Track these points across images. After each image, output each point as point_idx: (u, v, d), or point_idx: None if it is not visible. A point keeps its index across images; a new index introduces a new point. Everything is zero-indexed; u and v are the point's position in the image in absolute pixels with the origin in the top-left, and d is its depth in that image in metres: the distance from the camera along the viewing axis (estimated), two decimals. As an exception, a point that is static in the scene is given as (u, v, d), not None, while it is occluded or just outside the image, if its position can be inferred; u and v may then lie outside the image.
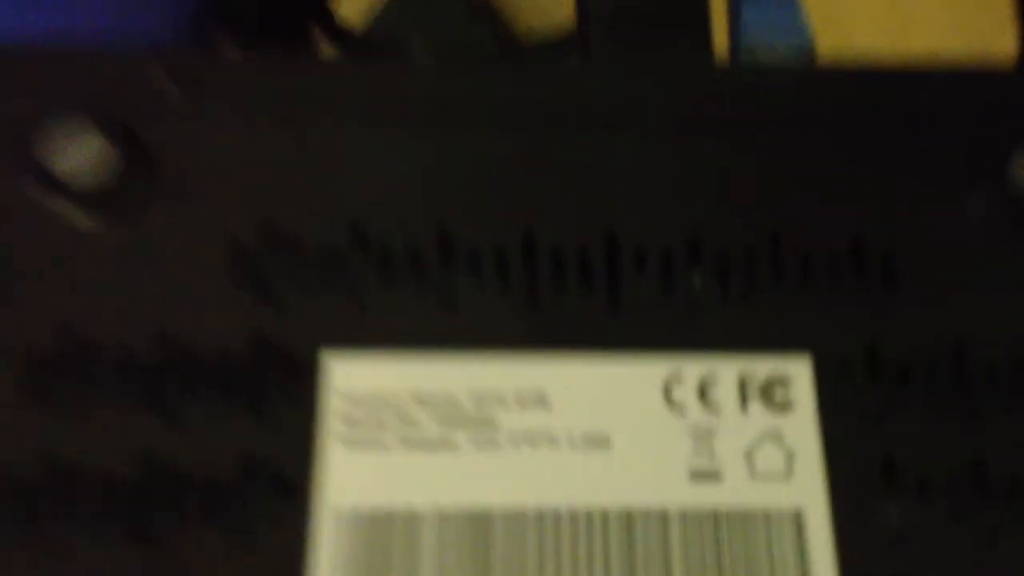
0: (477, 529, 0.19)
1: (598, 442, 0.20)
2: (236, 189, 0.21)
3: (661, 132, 0.22)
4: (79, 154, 0.21)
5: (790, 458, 0.20)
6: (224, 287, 0.20)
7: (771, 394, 0.20)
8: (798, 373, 0.20)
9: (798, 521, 0.19)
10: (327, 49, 0.33)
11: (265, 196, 0.21)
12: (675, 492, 0.19)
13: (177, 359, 0.19)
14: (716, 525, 0.19)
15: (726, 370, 0.20)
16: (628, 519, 0.19)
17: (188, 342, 0.20)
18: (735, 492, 0.19)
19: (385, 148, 0.21)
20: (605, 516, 0.19)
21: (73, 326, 0.20)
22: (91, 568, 0.18)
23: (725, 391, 0.20)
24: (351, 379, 0.20)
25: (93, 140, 0.21)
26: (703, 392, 0.20)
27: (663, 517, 0.19)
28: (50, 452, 0.19)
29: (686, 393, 0.20)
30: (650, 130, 0.22)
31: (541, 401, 0.20)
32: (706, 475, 0.19)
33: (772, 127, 0.22)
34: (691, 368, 0.20)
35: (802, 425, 0.20)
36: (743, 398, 0.20)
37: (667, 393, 0.20)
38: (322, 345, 0.20)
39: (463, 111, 0.22)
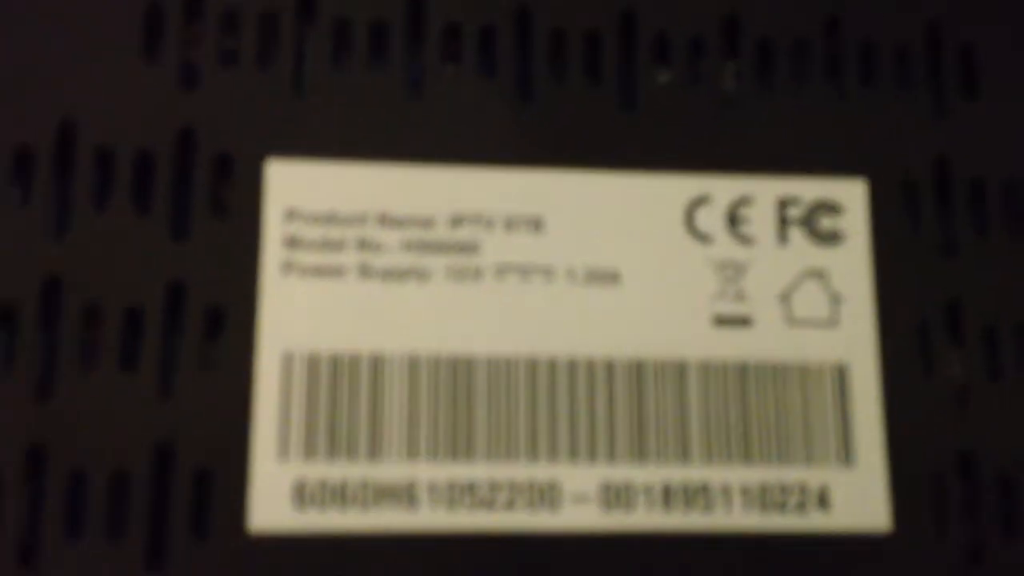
0: (456, 380, 0.15)
1: (604, 277, 0.16)
2: None
3: None
4: None
5: (836, 301, 0.16)
6: (136, 64, 0.16)
7: (816, 223, 0.16)
8: (851, 197, 0.17)
9: (841, 377, 0.16)
10: None
11: None
12: (695, 339, 0.16)
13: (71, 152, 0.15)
14: (743, 380, 0.16)
15: (763, 192, 0.16)
16: (638, 370, 0.16)
17: (103, 134, 0.16)
18: (767, 341, 0.16)
19: None
20: (610, 367, 0.16)
21: None
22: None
23: (761, 218, 0.16)
24: (299, 192, 0.16)
25: None
26: (734, 218, 0.16)
27: (680, 370, 0.16)
28: None
29: (713, 219, 0.16)
30: None
31: (535, 224, 0.16)
32: (733, 320, 0.16)
33: None
34: (721, 188, 0.16)
35: (853, 261, 0.16)
36: (782, 227, 0.16)
37: (689, 218, 0.16)
38: (262, 146, 0.16)
39: None
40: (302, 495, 0.15)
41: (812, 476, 0.16)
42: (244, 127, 0.16)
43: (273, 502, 0.15)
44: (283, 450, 0.15)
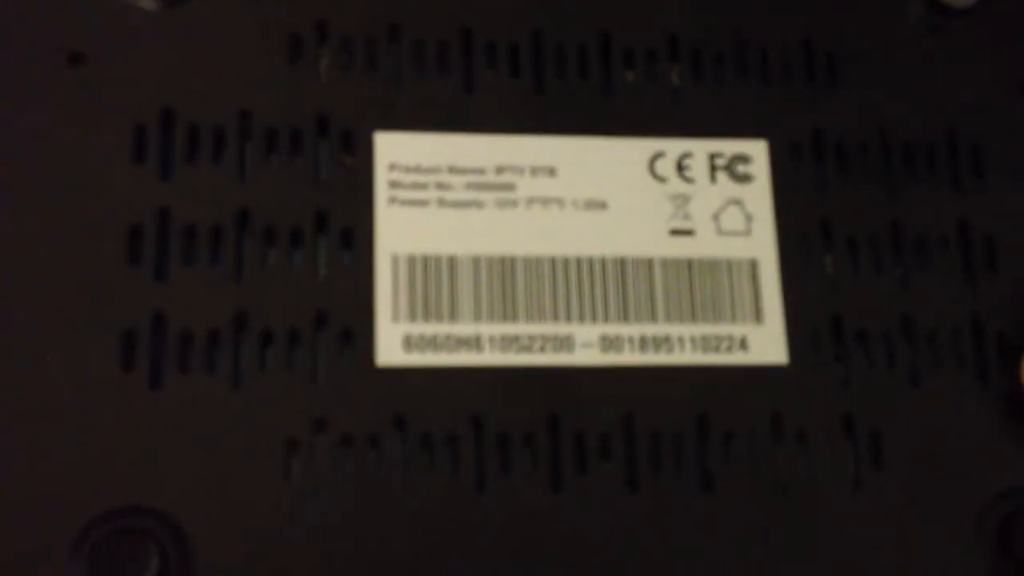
0: (504, 271, 0.23)
1: (597, 205, 0.24)
2: None
3: None
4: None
5: (749, 219, 0.25)
6: (280, 68, 0.24)
7: (735, 169, 0.25)
8: (757, 152, 0.25)
9: (754, 269, 0.24)
10: None
11: None
12: (658, 245, 0.24)
13: (249, 128, 0.23)
14: (690, 271, 0.24)
15: (699, 149, 0.25)
16: (621, 265, 0.24)
17: (253, 115, 0.24)
18: (705, 245, 0.24)
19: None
20: (604, 262, 0.24)
21: (149, 93, 0.23)
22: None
23: (698, 166, 0.25)
24: (396, 152, 0.24)
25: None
26: (681, 166, 0.25)
27: (649, 264, 0.24)
28: (156, 205, 0.23)
29: (667, 167, 0.25)
30: None
31: (550, 171, 0.24)
32: (683, 232, 0.24)
33: None
34: (671, 147, 0.25)
35: (759, 193, 0.25)
36: (712, 172, 0.25)
37: (652, 167, 0.25)
38: (370, 124, 0.24)
39: None
40: (409, 343, 0.23)
41: (735, 330, 0.24)
42: (362, 112, 0.24)
43: (391, 348, 0.23)
44: (396, 315, 0.23)
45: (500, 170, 0.24)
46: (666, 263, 0.24)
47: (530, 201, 0.24)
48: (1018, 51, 0.27)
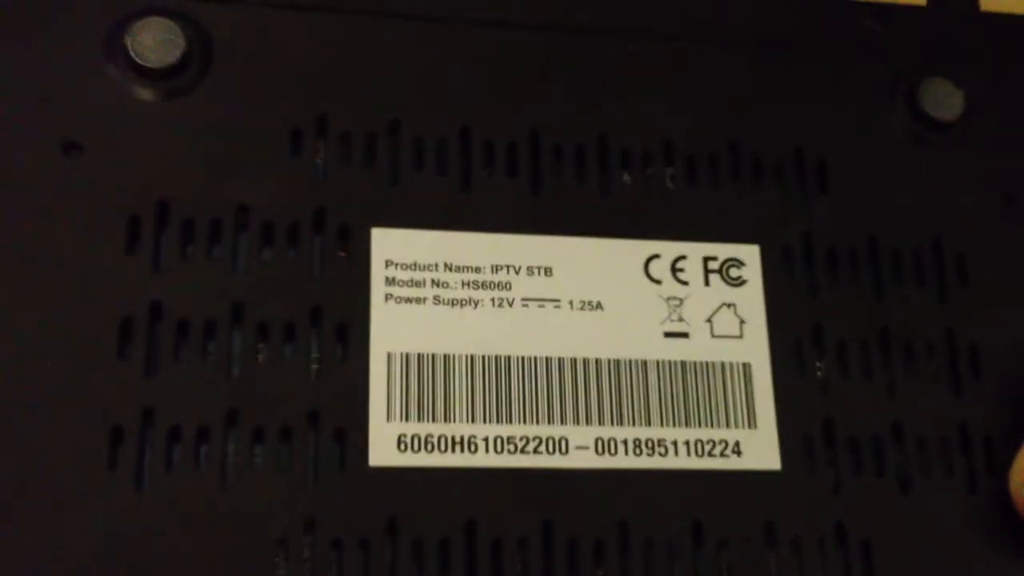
0: (499, 372, 0.23)
1: (592, 306, 0.24)
2: (286, 78, 0.24)
3: (657, 40, 0.26)
4: (151, 35, 0.24)
5: (742, 323, 0.25)
6: (278, 162, 0.24)
7: (728, 272, 0.25)
8: (750, 257, 0.25)
9: (747, 372, 0.24)
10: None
11: (315, 88, 0.24)
12: (653, 346, 0.24)
13: (245, 220, 0.23)
14: (684, 373, 0.24)
15: (693, 252, 0.25)
16: (617, 367, 0.24)
17: (245, 205, 0.23)
18: (699, 348, 0.24)
19: (420, 47, 0.25)
20: (599, 364, 0.24)
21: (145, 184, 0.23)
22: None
23: (693, 268, 0.25)
24: (393, 249, 0.24)
25: (163, 23, 0.24)
26: (675, 269, 0.25)
27: (643, 366, 0.24)
28: (148, 298, 0.22)
29: (662, 269, 0.25)
30: (650, 37, 0.26)
31: (547, 271, 0.24)
32: (677, 334, 0.24)
33: (729, 44, 0.27)
34: (666, 249, 0.25)
35: (752, 297, 0.25)
36: (706, 275, 0.25)
37: (647, 269, 0.25)
38: (368, 219, 0.24)
39: (491, 11, 0.25)
40: (403, 444, 0.23)
41: (729, 435, 0.24)
42: (360, 207, 0.24)
43: (384, 448, 0.22)
44: (390, 415, 0.23)
45: (496, 268, 0.24)
46: (661, 365, 0.24)
47: (526, 300, 0.24)
48: (1001, 163, 0.27)
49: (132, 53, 0.23)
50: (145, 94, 0.24)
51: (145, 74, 0.24)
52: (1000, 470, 0.25)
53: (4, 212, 0.22)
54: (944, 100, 0.27)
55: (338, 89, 0.24)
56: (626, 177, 0.25)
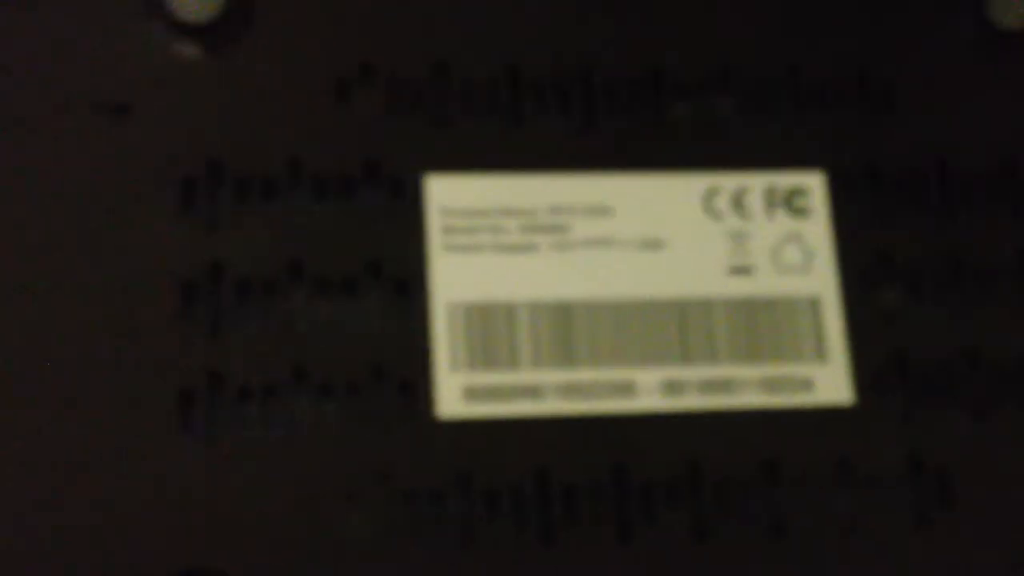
0: (562, 317, 0.23)
1: (654, 244, 0.24)
2: (328, 27, 0.24)
3: None
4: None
5: (808, 255, 0.24)
6: (326, 113, 0.23)
7: (792, 203, 0.24)
8: (814, 185, 0.24)
9: (815, 307, 0.24)
10: None
11: (359, 35, 0.24)
12: (717, 284, 0.24)
13: (299, 178, 0.23)
14: (750, 311, 0.24)
15: (755, 183, 0.24)
16: (681, 307, 0.23)
17: (297, 160, 0.23)
18: (765, 283, 0.24)
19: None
20: (663, 305, 0.23)
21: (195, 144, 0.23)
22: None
23: (755, 201, 0.24)
24: (448, 196, 0.23)
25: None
26: (737, 202, 0.24)
27: (708, 305, 0.23)
28: (207, 259, 0.22)
29: (723, 203, 0.24)
30: None
31: (605, 211, 0.24)
32: (741, 269, 0.24)
33: None
34: (726, 182, 0.24)
35: (818, 228, 0.24)
36: (770, 206, 0.24)
37: (707, 203, 0.24)
38: (421, 167, 0.23)
39: None
40: (470, 394, 0.22)
41: (799, 370, 0.23)
42: (411, 155, 0.23)
43: (451, 399, 0.22)
44: (455, 365, 0.22)
45: (555, 211, 0.24)
46: (726, 304, 0.23)
47: (586, 243, 0.24)
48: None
49: (172, 9, 0.23)
50: (189, 51, 0.23)
51: (187, 30, 0.23)
52: (1080, 394, 0.24)
53: (56, 180, 0.22)
54: (1011, 6, 0.26)
55: (382, 35, 0.24)
56: (681, 107, 0.24)
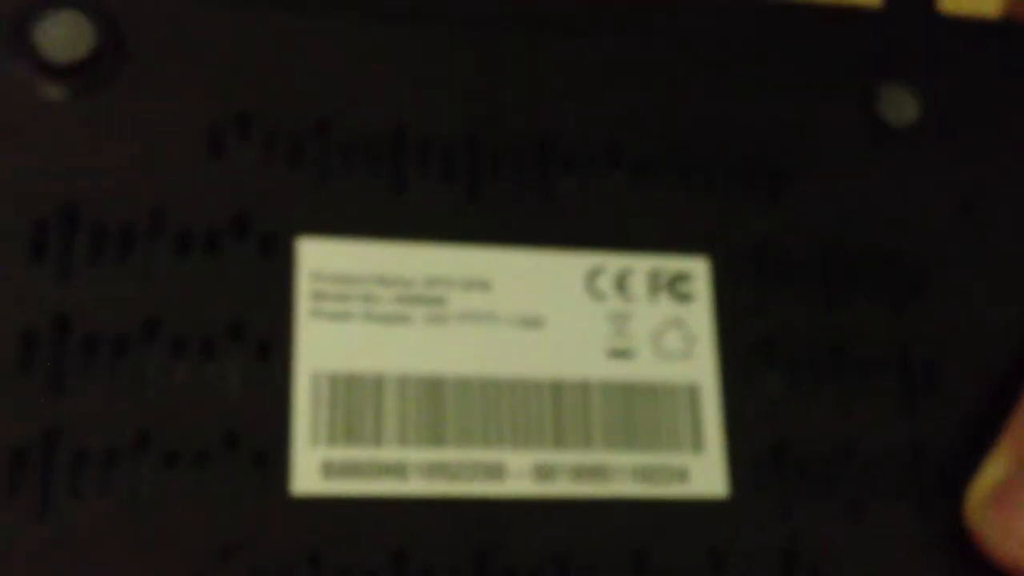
0: (432, 393, 0.22)
1: (532, 322, 0.23)
2: (208, 76, 0.23)
3: (596, 39, 0.25)
4: (58, 28, 0.22)
5: (689, 341, 0.23)
6: (197, 164, 0.22)
7: (676, 288, 0.24)
8: (699, 271, 0.24)
9: (694, 394, 0.23)
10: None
11: (238, 84, 0.23)
12: (595, 367, 0.23)
13: (162, 230, 0.22)
14: (628, 395, 0.23)
15: (639, 265, 0.24)
16: (557, 389, 0.22)
17: (166, 212, 0.22)
18: (644, 368, 0.23)
19: (351, 41, 0.24)
20: (539, 386, 0.22)
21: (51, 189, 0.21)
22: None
23: (638, 283, 0.24)
24: (321, 260, 0.22)
25: (72, 16, 0.22)
26: (620, 283, 0.23)
27: (585, 387, 0.23)
28: (54, 310, 0.21)
29: (606, 283, 0.23)
30: (590, 35, 0.25)
31: (484, 285, 0.23)
32: (621, 353, 0.23)
33: (679, 45, 0.25)
34: (610, 262, 0.24)
35: (700, 314, 0.24)
36: (653, 290, 0.24)
37: (590, 282, 0.23)
38: (294, 227, 0.22)
39: (430, 8, 0.24)
40: (328, 470, 0.21)
41: (675, 459, 0.23)
42: (285, 219, 0.22)
43: (307, 474, 0.21)
44: (315, 438, 0.21)
45: (431, 282, 0.23)
46: (604, 387, 0.23)
47: (462, 317, 0.23)
48: (959, 171, 0.26)
49: (39, 48, 0.22)
50: (54, 92, 0.22)
51: (53, 70, 0.22)
52: (956, 493, 0.24)
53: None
54: (900, 105, 0.26)
55: (261, 86, 0.23)
56: (568, 183, 0.24)
